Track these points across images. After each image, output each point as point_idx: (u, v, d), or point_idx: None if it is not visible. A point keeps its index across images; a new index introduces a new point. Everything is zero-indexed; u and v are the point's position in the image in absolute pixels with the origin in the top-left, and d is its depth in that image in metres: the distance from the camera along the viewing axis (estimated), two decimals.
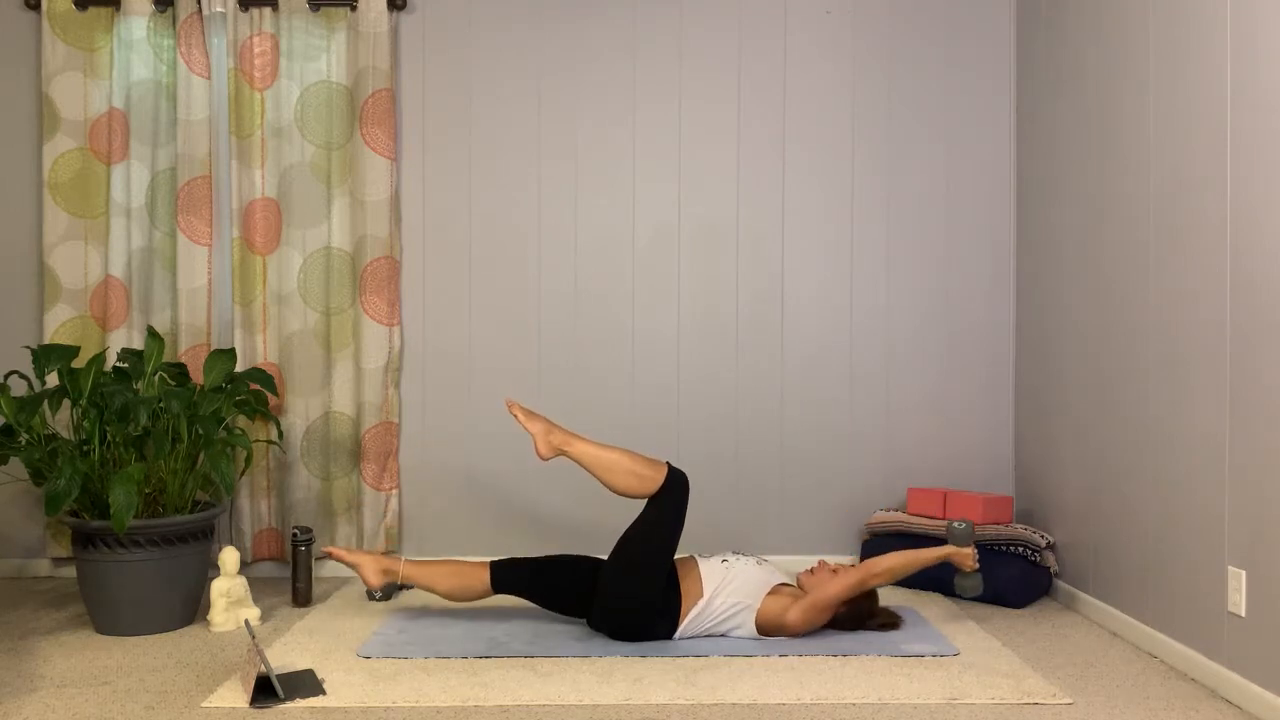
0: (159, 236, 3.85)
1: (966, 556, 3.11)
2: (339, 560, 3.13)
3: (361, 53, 3.82)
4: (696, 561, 3.06)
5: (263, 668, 2.51)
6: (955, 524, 3.14)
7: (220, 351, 3.43)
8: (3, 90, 3.89)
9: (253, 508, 3.84)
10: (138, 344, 3.83)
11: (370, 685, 2.61)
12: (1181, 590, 2.79)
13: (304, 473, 3.87)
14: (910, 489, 3.78)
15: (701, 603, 2.96)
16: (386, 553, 3.90)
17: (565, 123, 3.95)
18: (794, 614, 2.95)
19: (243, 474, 3.76)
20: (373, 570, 3.11)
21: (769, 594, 3.00)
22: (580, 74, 3.95)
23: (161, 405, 3.14)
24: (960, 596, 3.18)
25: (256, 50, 3.81)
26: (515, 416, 3.08)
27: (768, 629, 2.99)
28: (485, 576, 3.08)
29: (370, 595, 3.48)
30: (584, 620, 3.19)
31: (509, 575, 3.07)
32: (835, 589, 2.96)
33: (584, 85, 3.95)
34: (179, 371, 3.46)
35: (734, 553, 3.24)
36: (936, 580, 3.58)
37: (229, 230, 3.89)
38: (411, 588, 3.65)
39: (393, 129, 3.84)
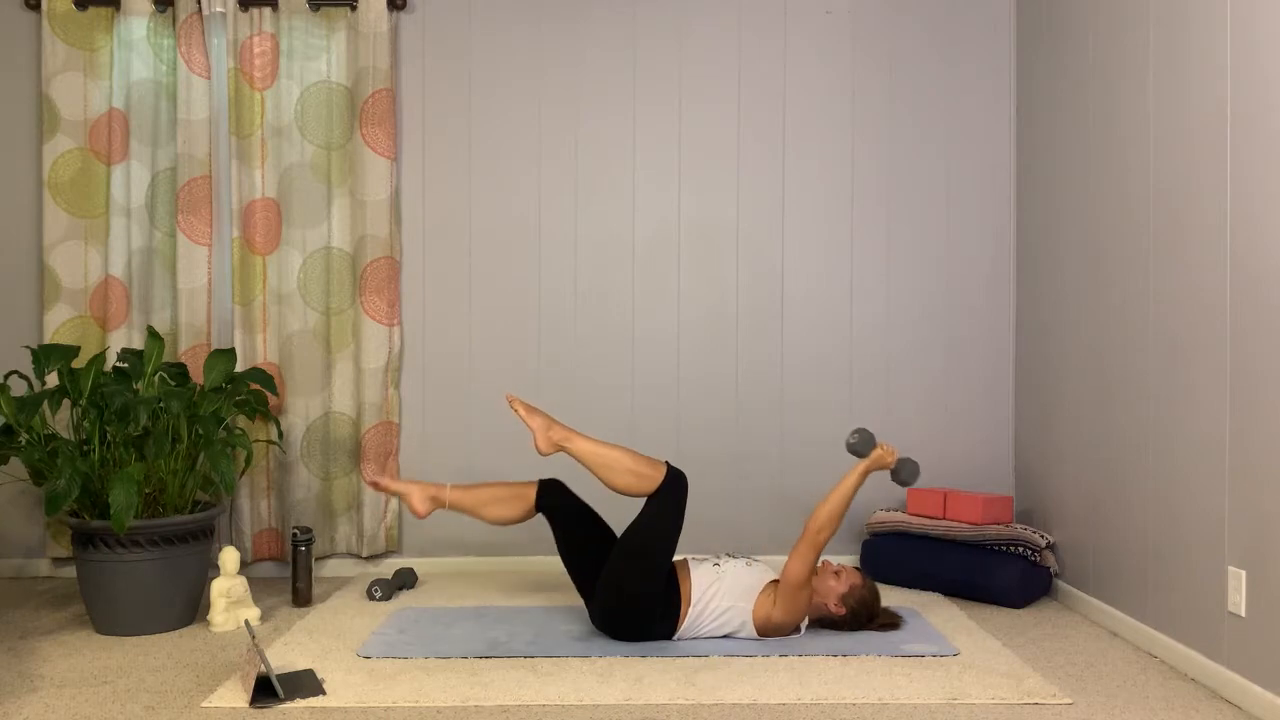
0: (159, 236, 3.85)
1: (883, 455, 3.05)
2: (385, 489, 3.10)
3: (361, 53, 3.82)
4: (690, 565, 3.05)
5: (263, 668, 2.51)
6: (850, 439, 3.06)
7: (220, 351, 3.43)
8: (3, 90, 3.89)
9: (253, 508, 3.84)
10: (138, 344, 3.83)
11: (370, 685, 2.61)
12: (1181, 590, 2.79)
13: (304, 473, 3.87)
14: (910, 489, 3.78)
15: (695, 609, 2.96)
16: (386, 552, 3.91)
17: (565, 123, 3.95)
18: (778, 609, 2.96)
19: (243, 474, 3.76)
20: (419, 498, 3.09)
21: (761, 593, 3.00)
22: (580, 74, 3.95)
23: (161, 405, 3.14)
24: (905, 485, 3.12)
25: (256, 50, 3.81)
26: (516, 411, 3.08)
27: (765, 628, 2.99)
28: (531, 496, 3.06)
29: (370, 595, 3.48)
30: (582, 604, 3.17)
31: (555, 493, 3.05)
32: (795, 564, 2.93)
33: (584, 85, 3.95)
34: (179, 371, 3.46)
35: (726, 555, 3.23)
36: (937, 580, 3.58)
37: (229, 230, 3.89)
38: (413, 587, 3.65)
39: (393, 129, 3.84)
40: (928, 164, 3.96)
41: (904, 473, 3.10)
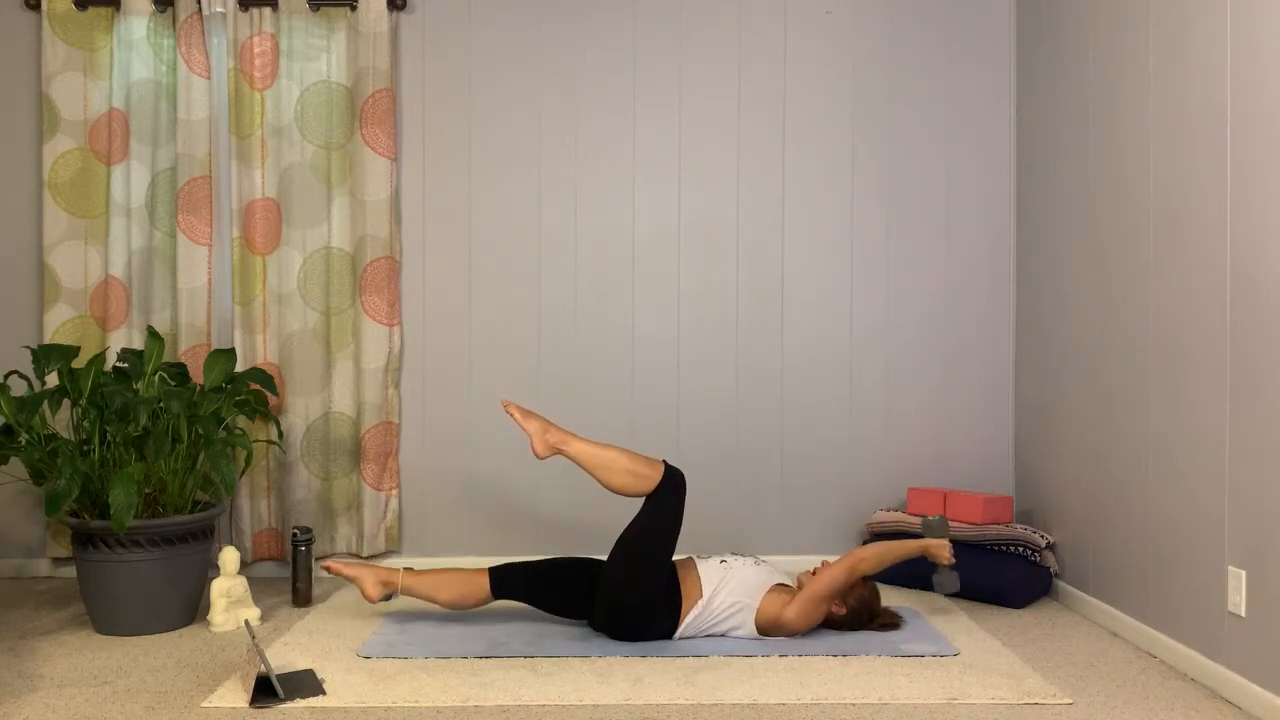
0: (159, 236, 3.85)
1: (943, 548, 3.13)
2: (337, 574, 3.11)
3: (361, 53, 3.82)
4: (695, 563, 3.06)
5: (263, 668, 2.51)
6: (929, 518, 3.21)
7: (220, 351, 3.43)
8: (3, 90, 3.89)
9: (253, 508, 3.84)
10: (138, 344, 3.83)
11: (370, 685, 2.61)
12: (1181, 590, 2.79)
13: (304, 473, 3.87)
14: (910, 489, 3.78)
15: (701, 603, 2.96)
16: (386, 552, 3.91)
17: (565, 122, 3.95)
18: (791, 610, 2.96)
19: (243, 474, 3.76)
20: (372, 583, 3.09)
21: (767, 593, 3.00)
22: (580, 74, 3.95)
23: (161, 405, 3.14)
24: (939, 593, 3.18)
25: (256, 50, 3.81)
26: (512, 416, 3.09)
27: (767, 628, 2.99)
28: (485, 583, 3.07)
29: None
30: (585, 621, 3.19)
31: (508, 581, 3.06)
32: (826, 580, 2.96)
33: (584, 85, 3.95)
34: (179, 371, 3.46)
35: (732, 553, 3.24)
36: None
37: (229, 230, 3.89)
38: None
39: (393, 129, 3.84)
40: (928, 164, 3.96)
41: (945, 578, 3.21)
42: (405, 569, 3.14)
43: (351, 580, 3.11)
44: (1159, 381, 2.90)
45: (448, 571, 3.11)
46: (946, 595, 3.22)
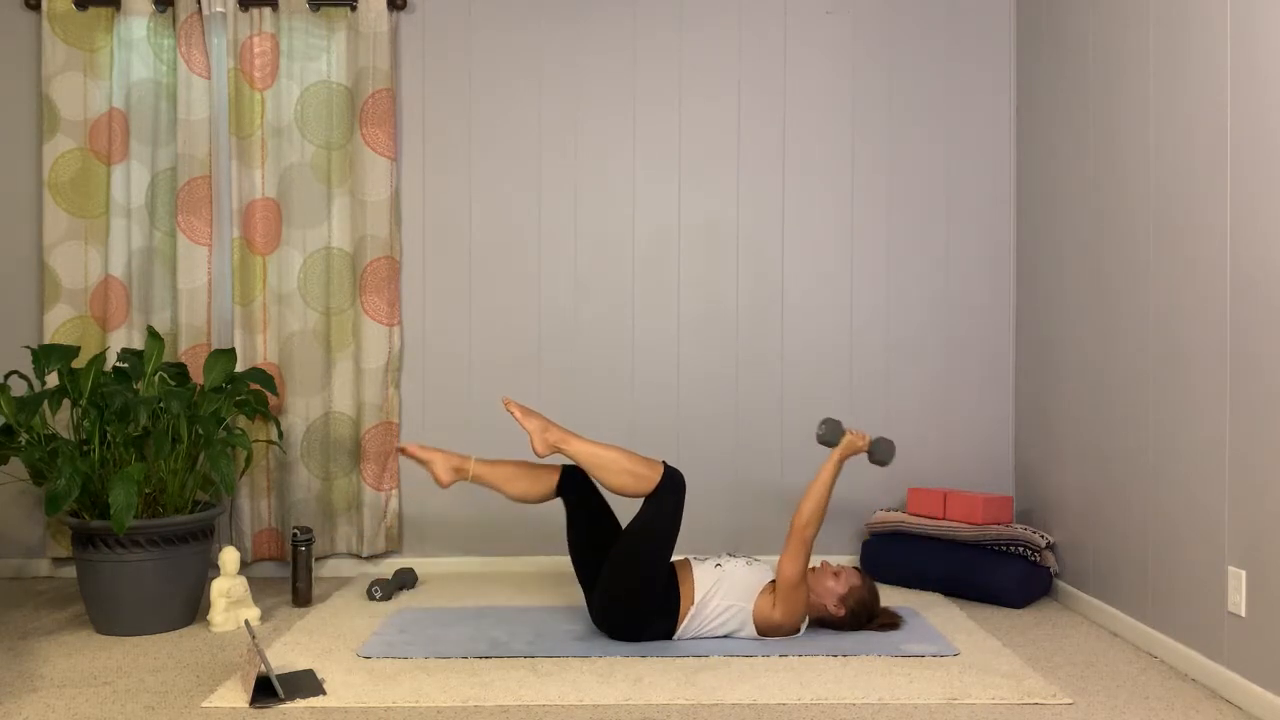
0: (159, 236, 3.85)
1: (854, 440, 3.07)
2: (411, 456, 3.12)
3: (361, 53, 3.82)
4: (691, 565, 3.06)
5: (263, 668, 2.51)
6: (818, 431, 3.08)
7: (220, 351, 3.43)
8: (3, 90, 3.89)
9: (253, 508, 3.84)
10: (138, 344, 3.83)
11: (370, 685, 2.61)
12: (1181, 590, 2.79)
13: (304, 473, 3.87)
14: (910, 489, 3.78)
15: (694, 608, 2.96)
16: (386, 552, 3.91)
17: (565, 122, 3.95)
18: (778, 611, 2.96)
19: (243, 474, 3.76)
20: (444, 468, 3.10)
21: (761, 593, 3.00)
22: (580, 74, 3.95)
23: (161, 405, 3.14)
24: (882, 466, 3.12)
25: (256, 50, 3.81)
26: (512, 414, 3.09)
27: (765, 628, 2.99)
28: (553, 480, 3.09)
29: (370, 595, 3.48)
30: (581, 604, 3.18)
31: (578, 487, 3.09)
32: (787, 563, 2.95)
33: (584, 85, 3.95)
34: (179, 371, 3.46)
35: (727, 554, 3.23)
36: (937, 580, 3.58)
37: (229, 230, 3.89)
38: (413, 587, 3.65)
39: (393, 129, 3.84)
40: (928, 164, 3.96)
41: (878, 453, 3.10)
42: (476, 458, 3.15)
43: (424, 463, 3.12)
44: (1159, 381, 2.90)
45: (517, 464, 3.13)
46: (889, 464, 3.10)
